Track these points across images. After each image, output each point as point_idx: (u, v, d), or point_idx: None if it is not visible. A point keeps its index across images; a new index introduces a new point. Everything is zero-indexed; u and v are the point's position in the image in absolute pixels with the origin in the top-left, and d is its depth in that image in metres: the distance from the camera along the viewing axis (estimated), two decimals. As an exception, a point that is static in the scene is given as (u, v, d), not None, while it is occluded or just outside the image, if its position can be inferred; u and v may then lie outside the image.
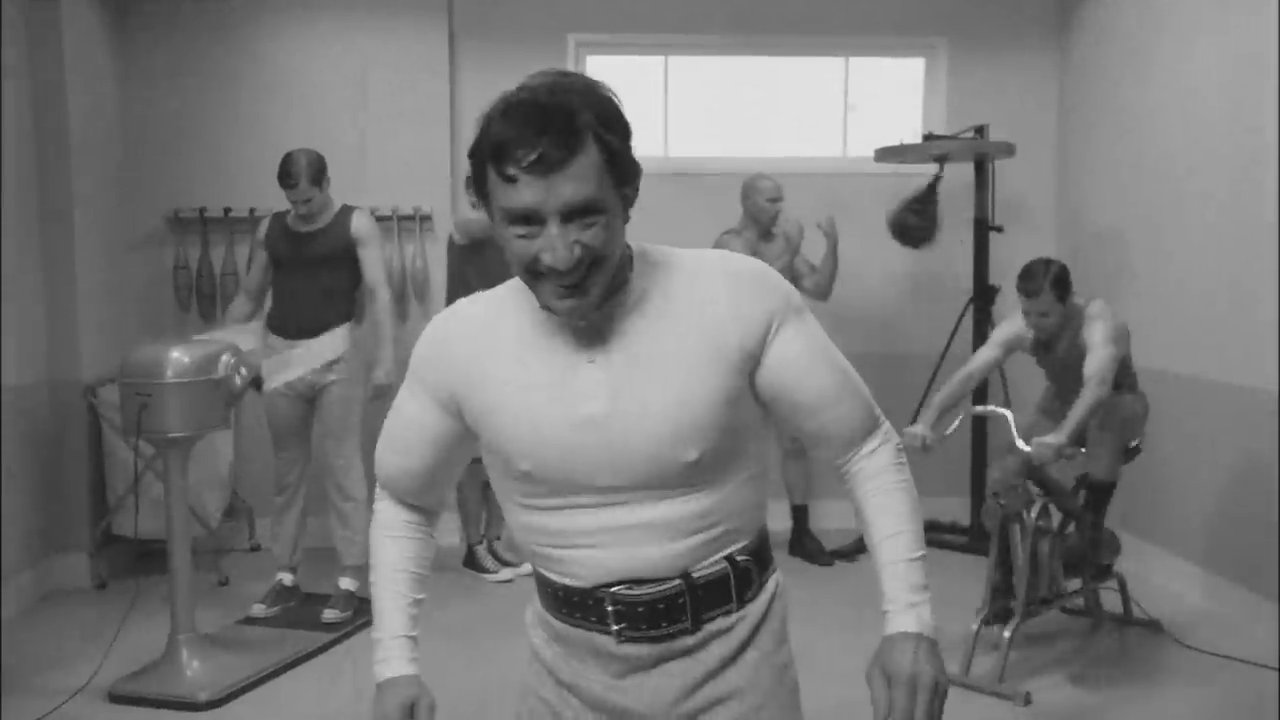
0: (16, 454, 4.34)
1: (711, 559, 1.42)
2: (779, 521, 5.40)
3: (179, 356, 3.52)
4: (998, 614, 3.69)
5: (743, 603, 1.46)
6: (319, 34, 5.24)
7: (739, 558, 1.44)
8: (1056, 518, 3.86)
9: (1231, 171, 4.22)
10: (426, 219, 5.28)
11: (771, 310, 1.38)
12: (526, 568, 4.83)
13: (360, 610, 4.23)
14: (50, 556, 4.64)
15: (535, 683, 1.54)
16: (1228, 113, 4.24)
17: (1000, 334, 4.06)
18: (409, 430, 1.50)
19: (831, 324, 5.50)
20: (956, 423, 3.90)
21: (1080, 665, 3.77)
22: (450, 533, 5.24)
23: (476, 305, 1.45)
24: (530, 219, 1.26)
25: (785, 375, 1.39)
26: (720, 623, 1.44)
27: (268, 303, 4.40)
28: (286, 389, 4.19)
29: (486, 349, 1.41)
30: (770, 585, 1.52)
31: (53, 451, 4.61)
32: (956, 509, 5.49)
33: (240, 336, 4.07)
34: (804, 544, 5.16)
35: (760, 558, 1.49)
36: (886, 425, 1.50)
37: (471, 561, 4.86)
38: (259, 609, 4.24)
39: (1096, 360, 3.68)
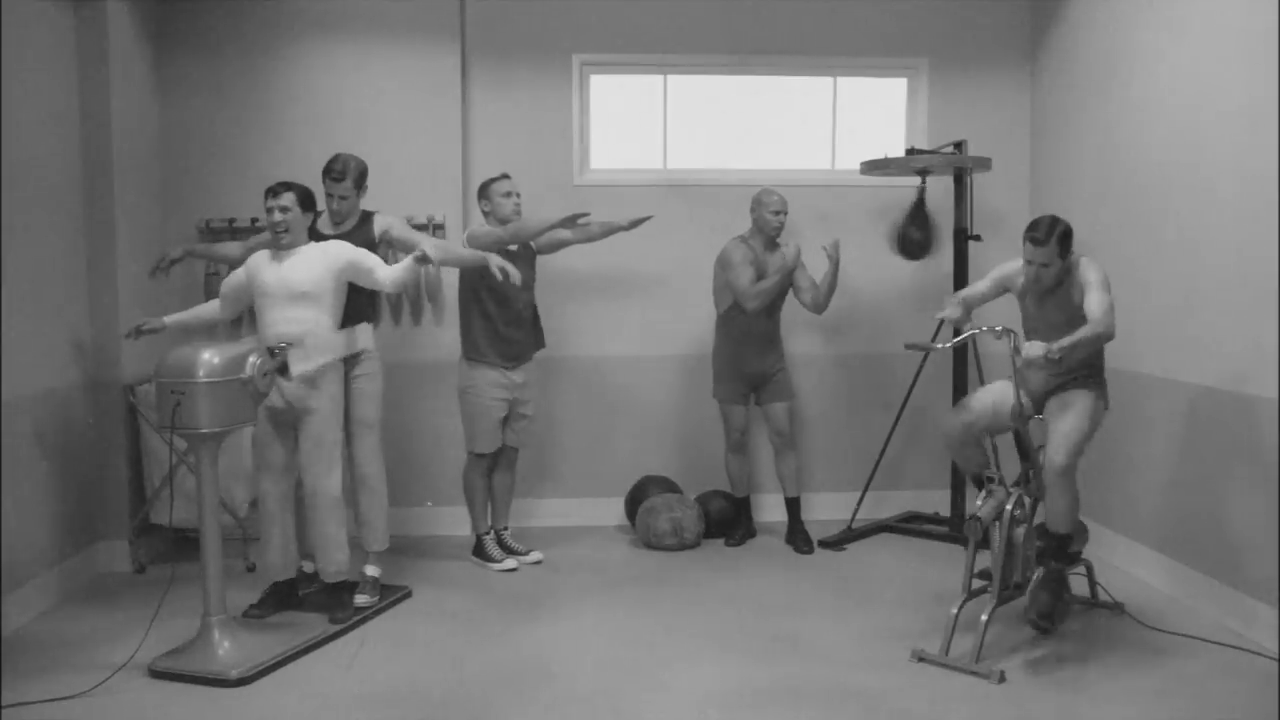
0: (64, 449, 4.53)
1: None
2: (774, 513, 5.66)
3: (209, 358, 3.65)
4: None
5: None
6: (341, 55, 5.42)
7: None
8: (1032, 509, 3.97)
9: (1189, 184, 4.39)
10: (440, 227, 5.46)
11: None
12: (532, 556, 5.09)
13: (384, 594, 4.42)
14: (95, 543, 4.81)
15: None
16: (1186, 129, 4.42)
17: (996, 272, 4.16)
18: None
19: (823, 325, 5.75)
20: (958, 340, 4.03)
21: (1050, 645, 3.93)
22: (460, 524, 5.40)
23: None
24: None
25: None
26: None
27: None
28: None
29: None
30: None
31: (96, 446, 4.78)
32: (938, 501, 5.69)
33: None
34: (794, 534, 5.36)
35: None
36: None
37: (480, 551, 5.01)
38: (283, 594, 4.29)
39: (1099, 301, 3.73)
